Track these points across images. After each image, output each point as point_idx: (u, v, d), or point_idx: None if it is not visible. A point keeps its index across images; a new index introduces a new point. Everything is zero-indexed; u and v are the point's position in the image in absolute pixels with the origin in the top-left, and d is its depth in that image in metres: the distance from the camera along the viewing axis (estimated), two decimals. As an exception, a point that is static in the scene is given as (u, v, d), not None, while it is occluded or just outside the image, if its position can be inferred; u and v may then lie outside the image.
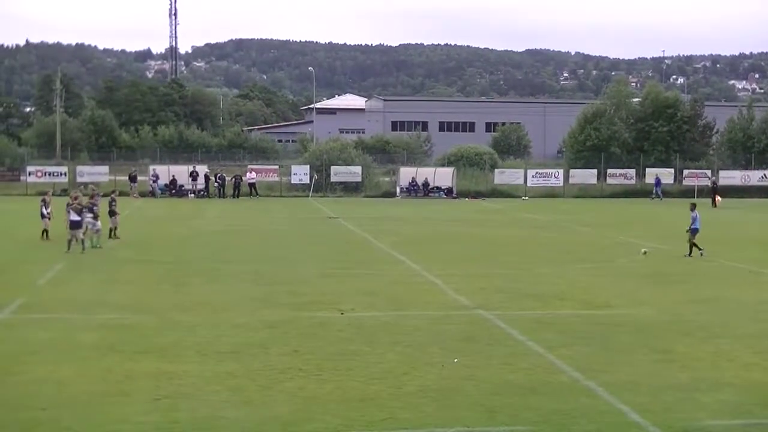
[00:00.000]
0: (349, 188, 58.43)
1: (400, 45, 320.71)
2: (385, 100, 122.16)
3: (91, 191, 29.09)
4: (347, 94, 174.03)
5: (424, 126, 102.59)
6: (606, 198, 58.44)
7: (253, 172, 57.16)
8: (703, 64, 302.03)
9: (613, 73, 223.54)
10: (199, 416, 9.92)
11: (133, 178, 54.30)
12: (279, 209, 44.98)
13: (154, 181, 55.49)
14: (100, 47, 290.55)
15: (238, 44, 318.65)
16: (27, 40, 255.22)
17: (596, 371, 12.06)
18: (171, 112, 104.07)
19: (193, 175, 55.62)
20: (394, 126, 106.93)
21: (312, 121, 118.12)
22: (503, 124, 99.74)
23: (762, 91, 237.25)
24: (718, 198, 50.50)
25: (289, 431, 9.52)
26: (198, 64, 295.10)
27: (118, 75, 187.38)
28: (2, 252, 25.14)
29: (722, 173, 62.30)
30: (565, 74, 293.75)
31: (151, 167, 57.93)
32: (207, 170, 56.62)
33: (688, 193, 56.71)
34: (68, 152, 69.68)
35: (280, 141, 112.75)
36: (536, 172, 62.27)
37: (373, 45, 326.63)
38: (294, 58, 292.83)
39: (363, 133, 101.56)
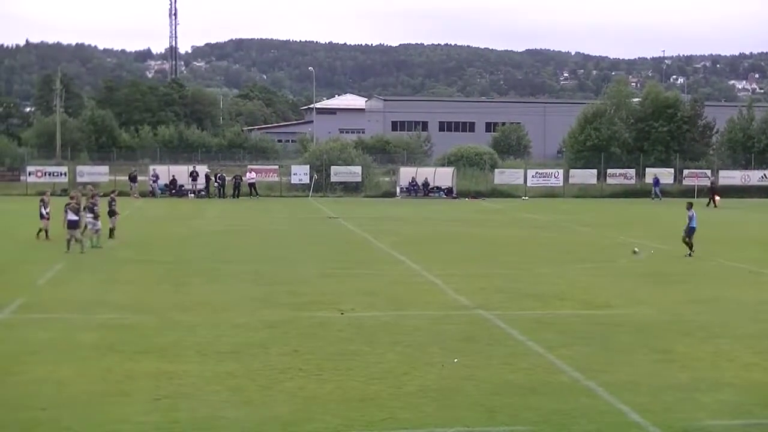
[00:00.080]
0: (349, 188, 58.42)
1: (400, 45, 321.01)
2: (385, 100, 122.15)
3: (90, 191, 29.10)
4: (347, 94, 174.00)
5: (424, 126, 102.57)
6: (606, 198, 58.44)
7: (253, 172, 57.16)
8: (703, 64, 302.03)
9: (613, 73, 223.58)
10: (199, 416, 9.92)
11: (133, 178, 54.29)
12: (279, 209, 44.98)
13: (154, 181, 55.49)
14: (100, 47, 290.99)
15: (238, 44, 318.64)
16: (27, 40, 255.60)
17: (596, 371, 12.07)
18: (171, 112, 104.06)
19: (193, 175, 55.62)
20: (394, 126, 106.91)
21: (312, 121, 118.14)
22: (503, 124, 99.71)
23: (762, 91, 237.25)
24: (717, 198, 50.51)
25: (289, 431, 9.53)
26: (198, 64, 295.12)
27: (118, 75, 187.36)
28: (2, 252, 25.14)
29: (722, 173, 62.31)
30: (565, 74, 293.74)
31: (151, 167, 57.91)
32: (207, 170, 56.62)
33: (688, 193, 56.68)
34: (68, 152, 69.67)
35: (280, 141, 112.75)
36: (536, 172, 62.26)
37: (373, 45, 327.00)
38: (294, 58, 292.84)
39: (363, 133, 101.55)
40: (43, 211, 27.93)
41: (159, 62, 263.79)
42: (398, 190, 58.30)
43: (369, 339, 13.95)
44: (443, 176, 59.89)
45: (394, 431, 9.58)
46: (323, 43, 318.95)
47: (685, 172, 61.86)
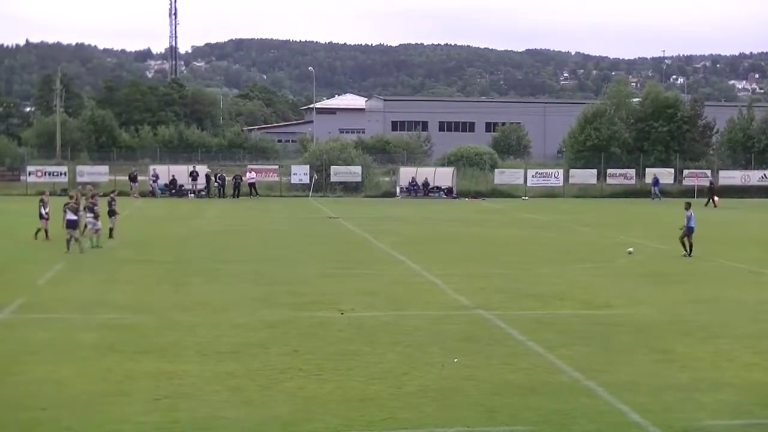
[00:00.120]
0: (349, 188, 58.42)
1: (400, 45, 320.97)
2: (385, 100, 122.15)
3: (89, 191, 29.10)
4: (347, 94, 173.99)
5: (424, 126, 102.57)
6: (606, 198, 58.44)
7: (253, 172, 57.16)
8: (703, 64, 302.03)
9: (613, 73, 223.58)
10: (199, 416, 9.92)
11: (133, 178, 54.29)
12: (279, 209, 44.98)
13: (154, 181, 55.49)
14: (100, 47, 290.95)
15: (238, 44, 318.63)
16: (27, 40, 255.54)
17: (596, 371, 12.07)
18: (171, 112, 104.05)
19: (193, 175, 55.62)
20: (394, 126, 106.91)
21: (312, 121, 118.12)
22: (503, 124, 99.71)
23: (762, 91, 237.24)
24: (715, 198, 50.53)
25: (289, 431, 9.53)
26: (198, 64, 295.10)
27: (118, 75, 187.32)
28: (2, 252, 25.15)
29: (722, 173, 62.32)
30: (565, 74, 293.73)
31: (151, 167, 57.90)
32: (208, 170, 56.61)
33: (688, 193, 56.69)
34: (68, 152, 69.67)
35: (280, 141, 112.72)
36: (536, 172, 62.27)
37: (373, 45, 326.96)
38: (294, 58, 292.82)
39: (363, 133, 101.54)
40: (43, 211, 27.92)
41: (159, 62, 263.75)
42: (398, 190, 58.30)
43: (369, 339, 13.96)
44: (443, 176, 59.89)
45: (394, 431, 9.58)
46: (323, 43, 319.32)
47: (685, 172, 61.86)
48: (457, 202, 54.50)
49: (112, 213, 28.96)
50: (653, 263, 24.27)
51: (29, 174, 55.94)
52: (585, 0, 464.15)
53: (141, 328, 14.66)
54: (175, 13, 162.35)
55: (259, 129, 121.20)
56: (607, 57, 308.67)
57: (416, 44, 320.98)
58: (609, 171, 61.52)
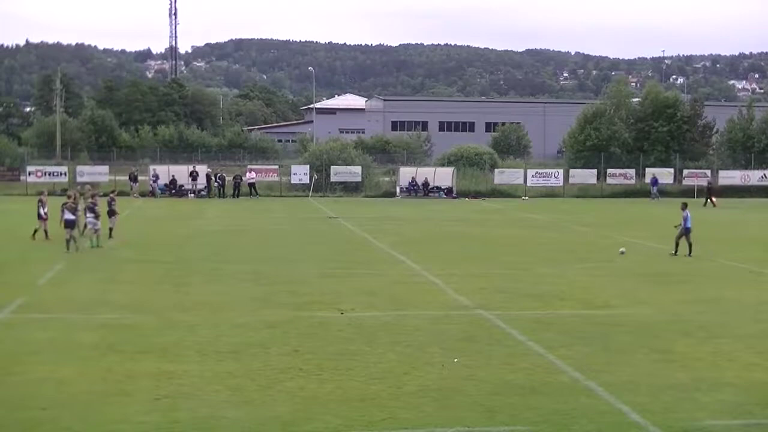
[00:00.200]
0: (349, 188, 58.42)
1: (400, 45, 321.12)
2: (385, 100, 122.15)
3: (88, 191, 29.08)
4: (347, 94, 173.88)
5: (424, 126, 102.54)
6: (606, 198, 58.43)
7: (253, 172, 57.16)
8: (703, 64, 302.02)
9: (613, 73, 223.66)
10: (199, 416, 9.93)
11: (133, 178, 54.28)
12: (279, 209, 44.98)
13: (154, 181, 55.49)
14: (100, 47, 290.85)
15: (238, 44, 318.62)
16: (27, 40, 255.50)
17: (596, 371, 12.07)
18: (171, 112, 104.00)
19: (194, 175, 55.62)
20: (394, 126, 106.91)
21: (312, 121, 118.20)
22: (503, 124, 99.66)
23: (762, 91, 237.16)
24: (713, 198, 50.55)
25: (289, 431, 9.53)
26: (198, 64, 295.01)
27: (118, 75, 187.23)
28: (2, 252, 25.14)
29: (722, 173, 62.31)
30: (565, 74, 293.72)
31: (151, 167, 57.89)
32: (209, 170, 56.61)
33: (688, 193, 56.71)
34: (68, 152, 69.64)
35: (280, 141, 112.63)
36: (536, 172, 62.25)
37: (373, 45, 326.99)
38: (294, 58, 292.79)
39: (363, 133, 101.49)
40: (41, 211, 27.92)
41: (159, 62, 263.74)
42: (398, 190, 58.28)
43: (369, 339, 13.96)
44: (443, 176, 59.88)
45: (394, 431, 9.59)
46: (323, 43, 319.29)
47: (685, 172, 61.86)
48: (457, 202, 54.50)
49: (111, 213, 28.97)
50: (653, 263, 24.27)
51: (29, 174, 55.92)
52: (585, 0, 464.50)
53: (141, 328, 14.67)
54: (175, 13, 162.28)
55: (259, 129, 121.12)
56: (607, 57, 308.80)
57: (416, 44, 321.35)
58: (609, 171, 61.52)
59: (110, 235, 28.22)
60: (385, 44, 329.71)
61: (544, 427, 9.75)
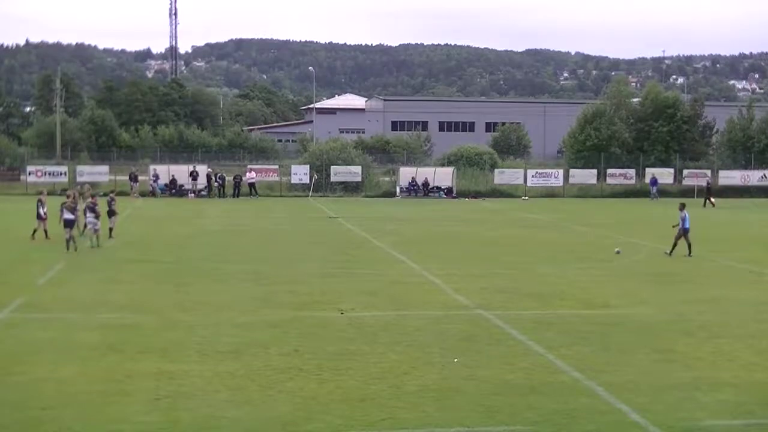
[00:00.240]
0: (349, 188, 58.41)
1: (400, 45, 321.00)
2: (385, 100, 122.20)
3: (87, 190, 29.07)
4: (347, 94, 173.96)
5: (424, 126, 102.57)
6: (606, 198, 58.43)
7: (253, 172, 57.17)
8: (703, 64, 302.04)
9: (613, 73, 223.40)
10: (199, 416, 9.93)
11: (134, 178, 54.28)
12: (279, 209, 44.97)
13: (154, 181, 55.49)
14: (100, 47, 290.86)
15: (238, 44, 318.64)
16: (27, 40, 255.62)
17: (596, 371, 12.07)
18: (171, 112, 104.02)
19: (194, 175, 55.62)
20: (394, 126, 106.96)
21: (312, 121, 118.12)
22: (503, 124, 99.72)
23: (762, 91, 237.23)
24: (711, 198, 50.56)
25: (289, 431, 9.53)
26: (198, 64, 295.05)
27: (118, 75, 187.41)
28: (2, 252, 25.15)
29: (722, 173, 62.31)
30: (565, 74, 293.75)
31: (151, 167, 57.89)
32: (209, 170, 56.61)
33: (688, 192, 56.73)
34: (68, 152, 69.68)
35: (280, 141, 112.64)
36: (536, 172, 62.25)
37: (373, 45, 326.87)
38: (294, 58, 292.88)
39: (363, 133, 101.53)
40: (41, 211, 27.91)
41: (159, 62, 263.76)
42: (398, 190, 58.28)
43: (369, 339, 13.96)
44: (443, 176, 59.87)
45: (394, 431, 9.59)
46: (323, 43, 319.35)
47: (685, 172, 61.86)
48: (457, 202, 54.50)
49: (111, 213, 28.96)
50: (653, 263, 24.27)
51: (29, 174, 55.92)
52: (585, 0, 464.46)
53: (141, 328, 14.67)
54: (175, 13, 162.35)
55: (259, 129, 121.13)
56: (607, 57, 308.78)
57: (416, 44, 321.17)
58: (609, 171, 61.51)
59: (110, 235, 28.22)
60: (385, 44, 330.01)
61: (544, 427, 9.75)
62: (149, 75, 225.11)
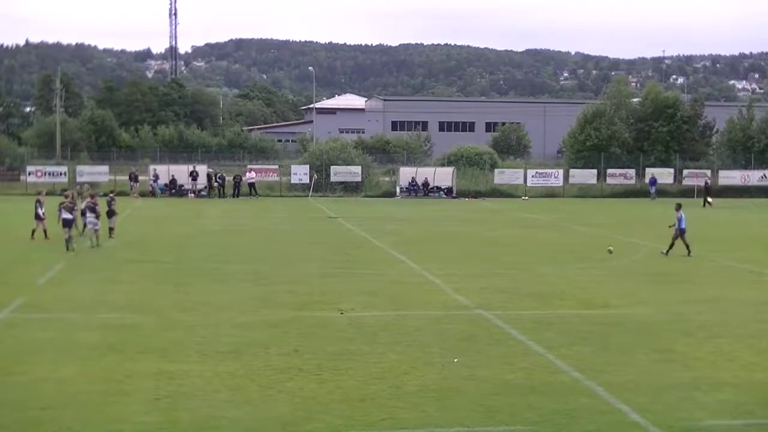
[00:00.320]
0: (349, 188, 58.43)
1: (400, 45, 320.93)
2: (385, 100, 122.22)
3: (85, 190, 29.05)
4: (347, 94, 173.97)
5: (424, 126, 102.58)
6: (606, 198, 58.44)
7: (253, 172, 57.17)
8: (703, 64, 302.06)
9: (613, 73, 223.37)
10: (199, 416, 9.93)
11: (134, 178, 54.28)
12: (279, 209, 44.98)
13: (154, 181, 55.50)
14: (100, 47, 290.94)
15: (238, 44, 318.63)
16: (27, 40, 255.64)
17: (596, 371, 12.07)
18: (171, 112, 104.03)
19: (194, 175, 55.62)
20: (394, 126, 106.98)
21: (312, 121, 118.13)
22: (503, 124, 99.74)
23: (762, 91, 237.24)
24: (709, 199, 50.58)
25: (289, 431, 9.53)
26: (198, 64, 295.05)
27: (118, 75, 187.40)
28: (2, 252, 25.15)
29: (722, 173, 62.33)
30: (565, 74, 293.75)
31: (151, 167, 57.90)
32: (210, 170, 56.62)
33: (688, 192, 56.76)
34: (68, 152, 69.67)
35: (280, 141, 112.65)
36: (536, 172, 62.27)
37: (373, 45, 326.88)
38: (294, 58, 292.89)
39: (363, 133, 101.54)
40: (40, 212, 27.91)
41: (159, 62, 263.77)
42: (398, 190, 58.30)
43: (369, 339, 13.96)
44: (443, 176, 59.89)
45: (394, 431, 9.59)
46: (323, 43, 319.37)
47: (685, 172, 61.87)
48: (457, 202, 54.50)
49: (111, 213, 28.95)
50: (653, 263, 24.27)
51: (29, 174, 55.94)
52: (585, 0, 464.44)
53: (141, 328, 14.67)
54: (175, 13, 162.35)
55: (259, 129, 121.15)
56: (607, 57, 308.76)
57: (416, 44, 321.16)
58: (609, 171, 61.53)
59: (110, 235, 28.23)
60: (385, 44, 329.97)
61: (544, 427, 9.75)
62: (149, 75, 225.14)
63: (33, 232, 27.78)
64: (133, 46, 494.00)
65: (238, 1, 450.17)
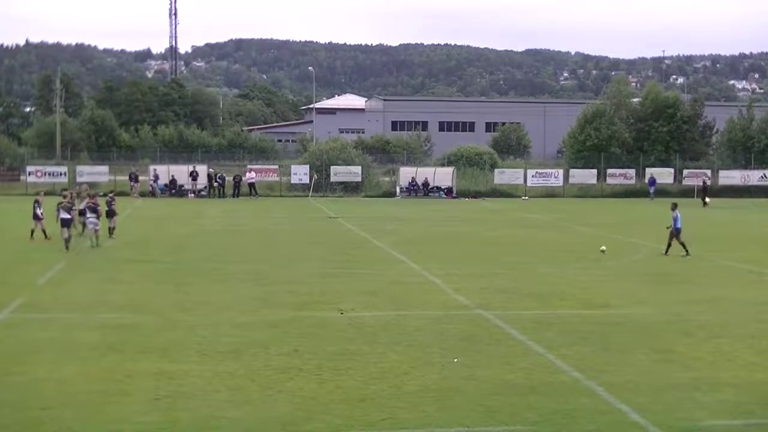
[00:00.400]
0: (349, 188, 58.44)
1: (400, 45, 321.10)
2: (385, 100, 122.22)
3: (84, 190, 29.04)
4: (347, 94, 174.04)
5: (424, 126, 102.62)
6: (606, 198, 58.45)
7: (253, 172, 57.18)
8: (703, 64, 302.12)
9: (613, 73, 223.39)
10: (199, 416, 9.92)
11: (134, 178, 54.28)
12: (279, 209, 44.98)
13: (154, 181, 55.50)
14: (100, 47, 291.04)
15: (238, 44, 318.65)
16: (27, 40, 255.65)
17: (596, 371, 12.07)
18: (171, 112, 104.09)
19: (194, 175, 55.63)
20: (394, 126, 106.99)
21: (312, 121, 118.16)
22: (503, 124, 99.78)
23: (762, 91, 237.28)
24: (707, 199, 50.59)
25: (289, 431, 9.53)
26: (198, 64, 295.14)
27: (118, 75, 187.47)
28: (2, 252, 25.14)
29: (722, 173, 62.34)
30: (565, 74, 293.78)
31: (151, 167, 57.92)
32: (210, 170, 56.62)
33: (688, 192, 56.78)
34: (68, 152, 69.67)
35: (280, 141, 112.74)
36: (536, 172, 62.28)
37: (373, 45, 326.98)
38: (294, 58, 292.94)
39: (363, 133, 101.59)
40: (38, 212, 27.91)
41: (159, 62, 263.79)
42: (398, 190, 58.31)
43: (369, 339, 13.95)
44: (443, 176, 59.90)
45: (394, 431, 9.59)
46: (323, 43, 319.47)
47: (685, 172, 61.89)
48: (457, 202, 54.51)
49: (111, 213, 28.95)
50: (653, 263, 24.27)
51: (29, 174, 55.95)
52: (585, 0, 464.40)
53: (141, 328, 14.66)
54: (175, 13, 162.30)
55: (259, 129, 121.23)
56: (607, 57, 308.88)
57: (416, 44, 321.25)
58: (609, 171, 61.56)
59: (111, 235, 28.23)
60: (385, 44, 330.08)
61: (544, 427, 9.75)
62: (149, 75, 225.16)
63: (32, 232, 27.79)
64: (133, 46, 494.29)
65: (238, 1, 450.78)
